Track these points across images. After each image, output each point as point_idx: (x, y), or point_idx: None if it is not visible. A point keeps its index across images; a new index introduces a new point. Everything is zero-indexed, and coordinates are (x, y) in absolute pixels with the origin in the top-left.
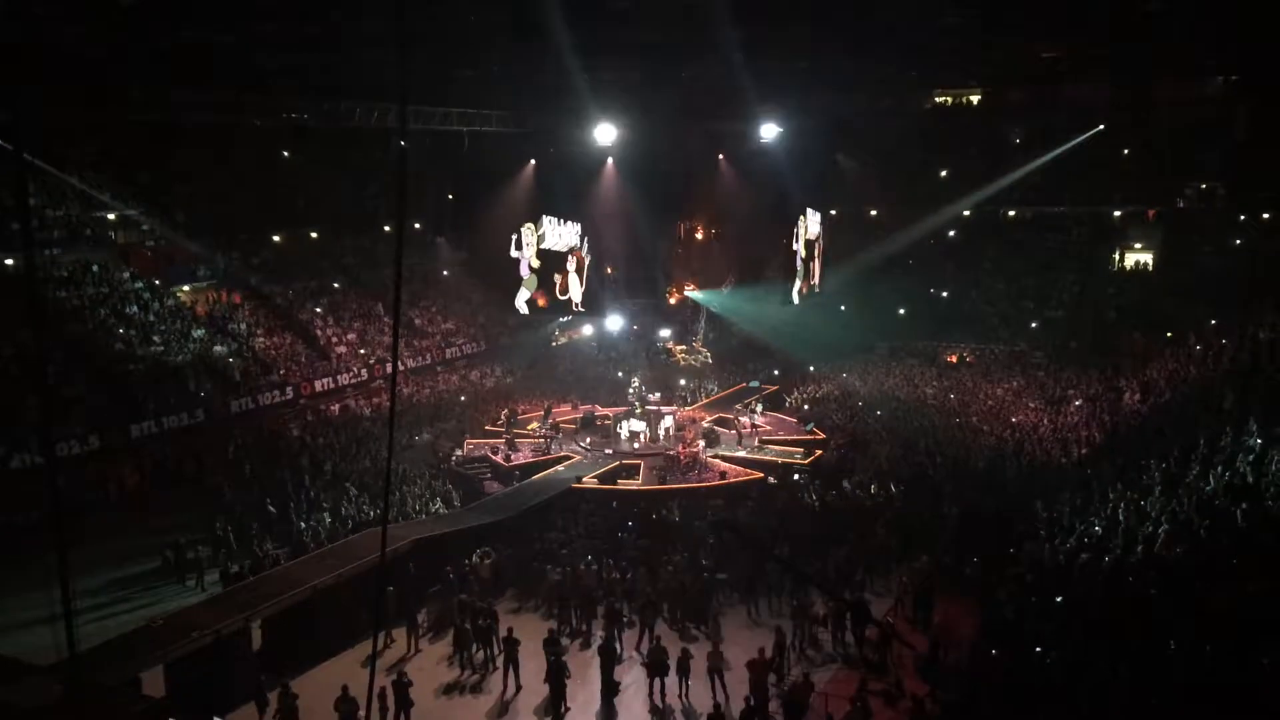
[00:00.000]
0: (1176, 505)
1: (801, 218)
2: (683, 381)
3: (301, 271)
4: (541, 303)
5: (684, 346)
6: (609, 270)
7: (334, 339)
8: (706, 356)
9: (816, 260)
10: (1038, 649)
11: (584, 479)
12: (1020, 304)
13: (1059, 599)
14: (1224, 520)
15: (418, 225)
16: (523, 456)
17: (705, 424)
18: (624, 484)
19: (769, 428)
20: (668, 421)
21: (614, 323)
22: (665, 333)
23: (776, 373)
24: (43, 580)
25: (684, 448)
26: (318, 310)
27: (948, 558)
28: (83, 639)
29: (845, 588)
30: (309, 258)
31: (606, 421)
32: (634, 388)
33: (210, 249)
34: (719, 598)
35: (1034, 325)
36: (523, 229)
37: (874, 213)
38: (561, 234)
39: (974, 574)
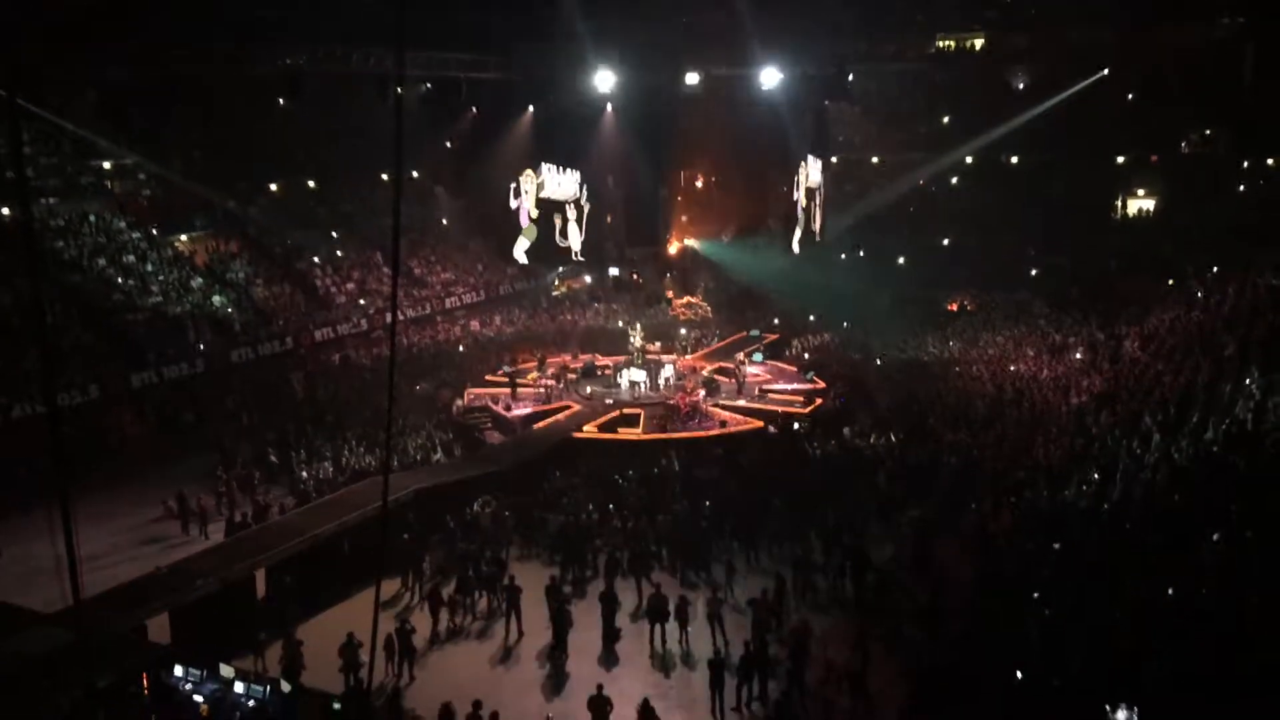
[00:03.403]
0: (1175, 452)
1: (802, 165)
2: (683, 331)
3: (300, 220)
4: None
5: (686, 299)
6: (608, 219)
7: (333, 289)
8: (706, 309)
9: (817, 208)
10: (1035, 595)
11: (584, 428)
12: (1022, 251)
13: (1056, 545)
14: (1222, 467)
15: (415, 174)
16: (524, 406)
17: (705, 373)
18: (625, 433)
19: (769, 377)
20: (668, 371)
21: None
22: (614, 271)
23: (776, 321)
24: (46, 529)
25: (684, 397)
26: (316, 259)
27: (947, 505)
28: (87, 587)
29: (845, 535)
30: (307, 206)
31: (607, 371)
32: (634, 337)
33: (208, 197)
34: (718, 545)
35: (1035, 273)
36: (521, 177)
37: (875, 160)
38: (561, 182)
39: (973, 521)
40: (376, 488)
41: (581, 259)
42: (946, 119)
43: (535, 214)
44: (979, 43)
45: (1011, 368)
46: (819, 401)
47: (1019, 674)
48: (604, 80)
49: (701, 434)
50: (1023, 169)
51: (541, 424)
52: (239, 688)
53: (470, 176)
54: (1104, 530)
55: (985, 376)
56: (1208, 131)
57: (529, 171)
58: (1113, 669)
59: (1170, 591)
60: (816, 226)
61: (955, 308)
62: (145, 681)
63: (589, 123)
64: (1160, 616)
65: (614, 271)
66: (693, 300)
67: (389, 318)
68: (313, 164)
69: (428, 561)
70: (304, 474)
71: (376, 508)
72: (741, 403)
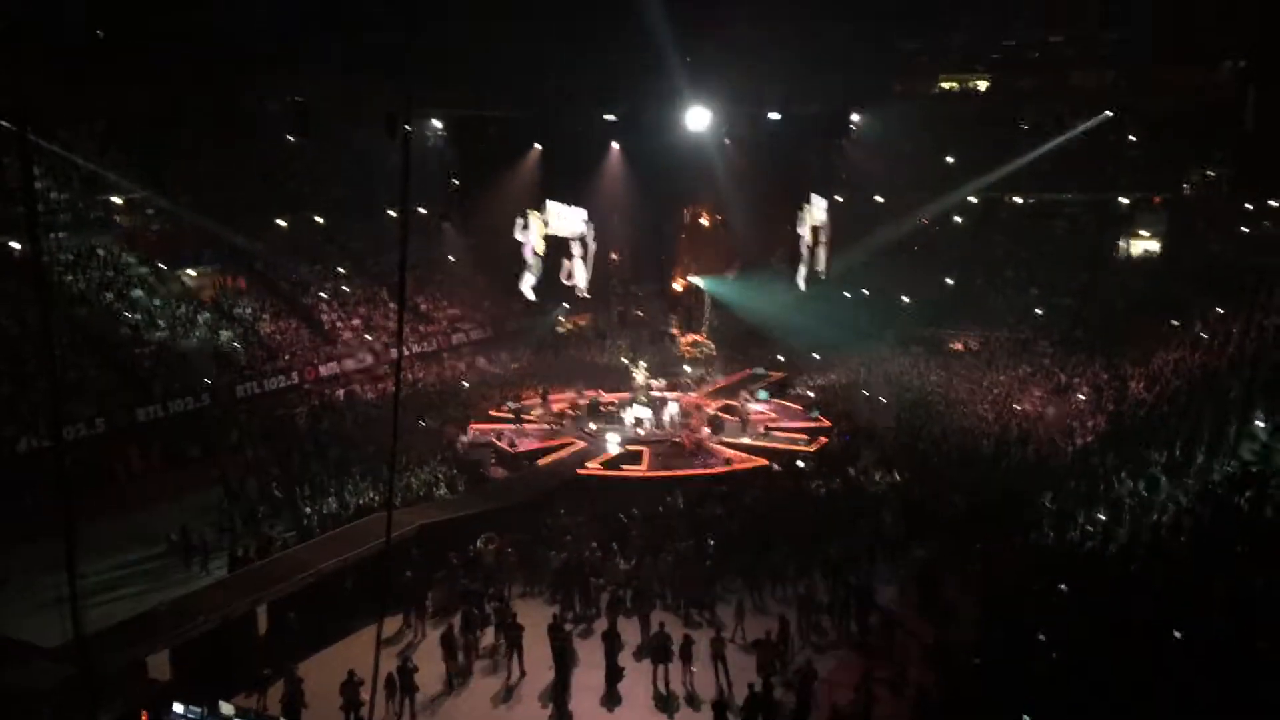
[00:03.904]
0: (1181, 493)
1: (806, 204)
2: (687, 368)
3: (307, 255)
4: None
5: (690, 336)
6: (613, 257)
7: (339, 324)
8: (711, 348)
9: (823, 246)
10: (1041, 636)
11: (588, 465)
12: (1026, 291)
13: (1063, 586)
14: (1228, 508)
15: (422, 210)
16: (528, 442)
17: (710, 410)
18: (628, 470)
19: (774, 415)
20: (672, 408)
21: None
22: (619, 308)
23: (781, 359)
24: (50, 563)
25: (688, 434)
26: (322, 295)
27: (953, 545)
28: (89, 622)
29: (850, 574)
30: (314, 242)
31: (611, 408)
32: (638, 374)
33: (216, 232)
34: (722, 584)
35: (1039, 313)
36: (529, 213)
37: (879, 199)
38: (566, 218)
39: (979, 561)
40: (380, 523)
41: (587, 295)
42: (950, 158)
43: (541, 250)
44: (983, 85)
45: (1017, 407)
46: (823, 439)
47: (1026, 717)
48: (610, 117)
49: (705, 471)
50: (1026, 209)
51: (545, 460)
52: None
53: (477, 213)
54: (1111, 570)
55: (990, 416)
56: (1210, 173)
57: (534, 210)
58: (1121, 707)
59: (1177, 631)
60: (821, 265)
61: (960, 347)
62: (145, 718)
63: (594, 160)
64: (1168, 654)
65: (619, 308)
66: (697, 338)
67: (395, 353)
68: (321, 199)
69: (431, 598)
70: (308, 509)
71: (380, 543)
72: (746, 440)
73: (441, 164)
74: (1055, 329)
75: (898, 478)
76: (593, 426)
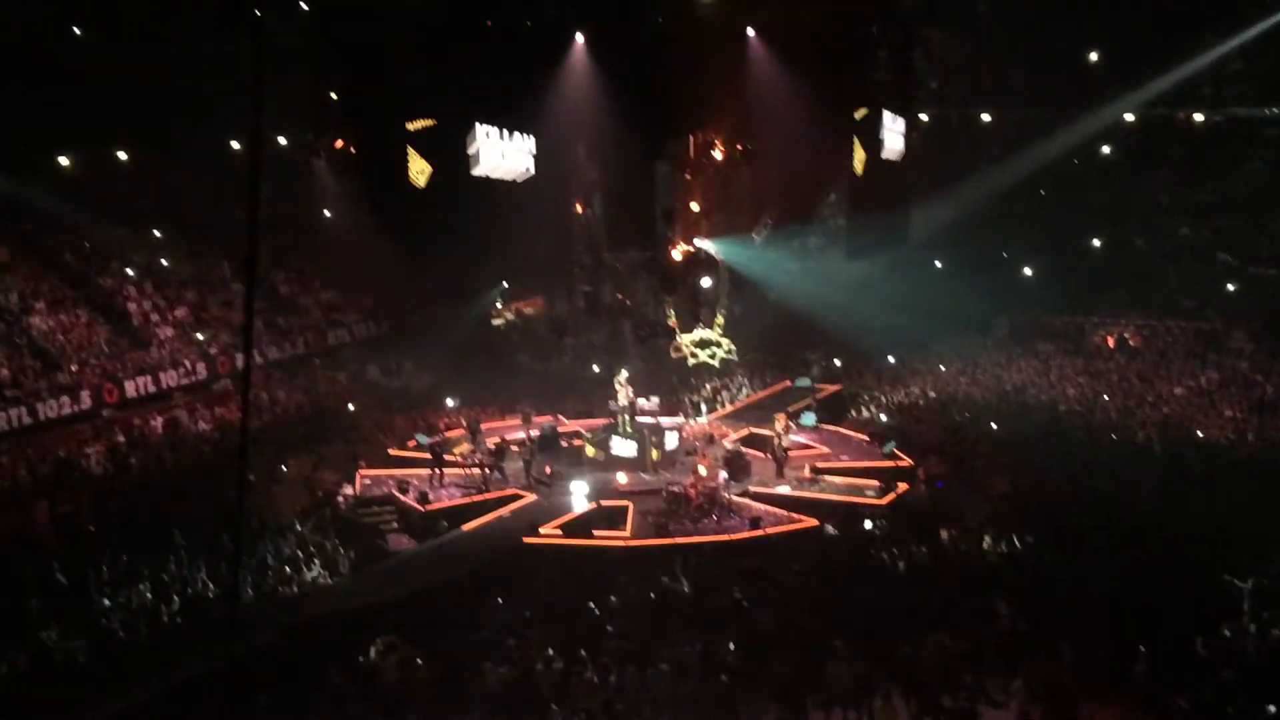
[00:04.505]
0: None
1: (875, 125)
2: (693, 380)
3: (105, 213)
4: None
5: (698, 330)
6: (579, 209)
7: (154, 317)
8: (729, 347)
9: (898, 192)
10: None
11: (541, 530)
12: (1211, 258)
13: (1274, 710)
14: None
15: (283, 140)
16: (448, 496)
17: (728, 444)
18: (603, 537)
19: (826, 449)
20: (671, 441)
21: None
22: (586, 288)
23: (838, 364)
24: None
25: (696, 481)
26: (129, 272)
27: (1101, 648)
28: None
29: (945, 693)
30: (116, 192)
31: (576, 442)
32: (619, 390)
33: None
34: (749, 710)
35: (1232, 289)
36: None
37: (985, 118)
38: (505, 153)
39: (1142, 673)
40: (218, 626)
41: (537, 269)
42: (1094, 56)
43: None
44: None
45: (1199, 434)
46: (903, 487)
47: None
48: None
49: (722, 538)
50: (1209, 131)
51: (475, 523)
52: None
53: (367, 144)
54: None
55: (1157, 448)
56: None
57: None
58: None
59: None
60: (897, 220)
61: (1112, 341)
62: None
63: (548, 60)
64: None
65: (586, 289)
66: (708, 333)
67: (240, 360)
68: (127, 126)
69: None
70: (106, 602)
71: (217, 660)
72: (784, 489)
73: (314, 71)
74: (1256, 315)
75: (1018, 545)
76: (548, 471)
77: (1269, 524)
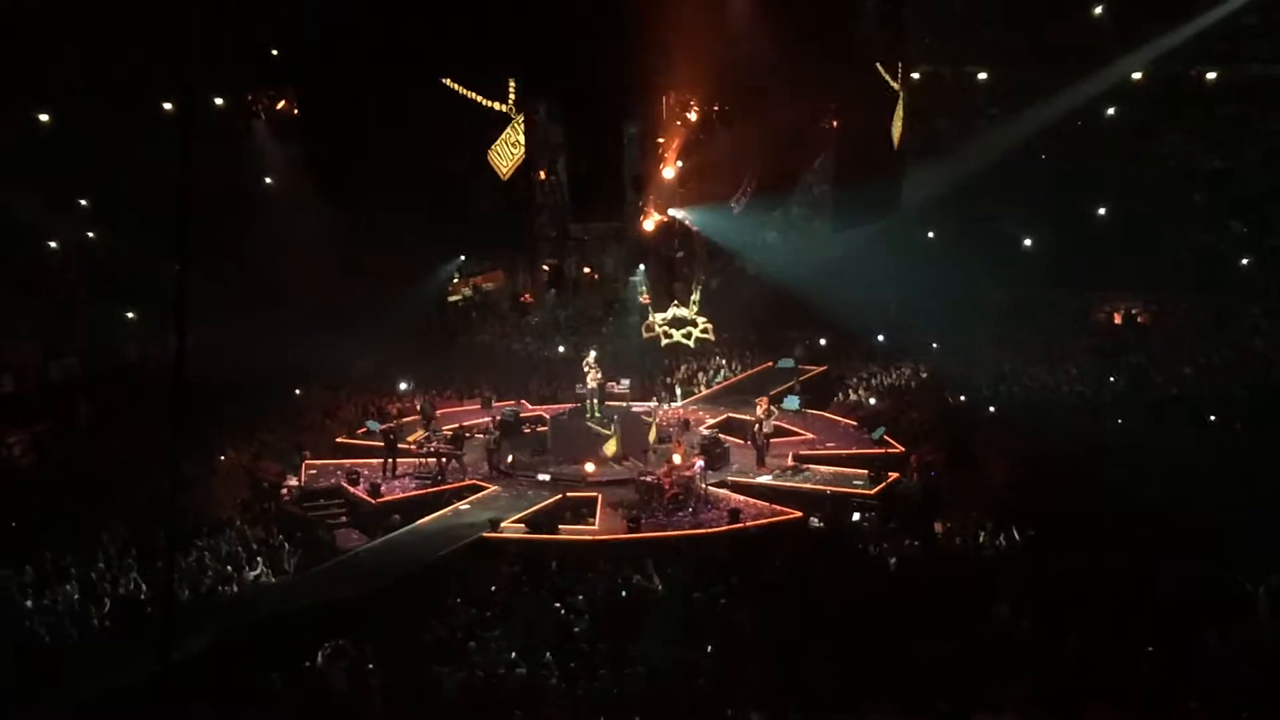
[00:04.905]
0: None
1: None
2: (667, 361)
3: (9, 173)
4: None
5: (672, 307)
6: (540, 175)
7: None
8: (705, 326)
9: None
10: None
11: (503, 524)
12: (1225, 228)
13: None
14: None
15: (220, 101)
16: (401, 487)
17: (705, 430)
18: (569, 531)
19: (811, 435)
20: (644, 427)
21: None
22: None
23: (823, 344)
24: None
25: (670, 470)
26: (53, 245)
27: (1106, 647)
28: None
29: (939, 697)
30: (31, 151)
31: (541, 429)
32: (587, 372)
33: None
34: (730, 717)
35: (1246, 262)
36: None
37: (982, 76)
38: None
39: (1150, 673)
40: (151, 630)
41: (495, 239)
42: (1100, 9)
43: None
44: None
45: (1212, 417)
46: (894, 476)
47: None
48: None
49: (698, 531)
50: (1223, 90)
51: (430, 517)
52: None
53: (315, 98)
54: None
55: (1167, 431)
56: None
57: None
58: None
59: None
60: (889, 187)
61: (1119, 318)
62: None
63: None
64: None
65: (550, 262)
66: (683, 311)
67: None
68: (40, 79)
69: None
70: (28, 604)
71: (153, 668)
72: (765, 479)
73: (252, 23)
74: (1273, 288)
75: (1017, 538)
76: (510, 460)
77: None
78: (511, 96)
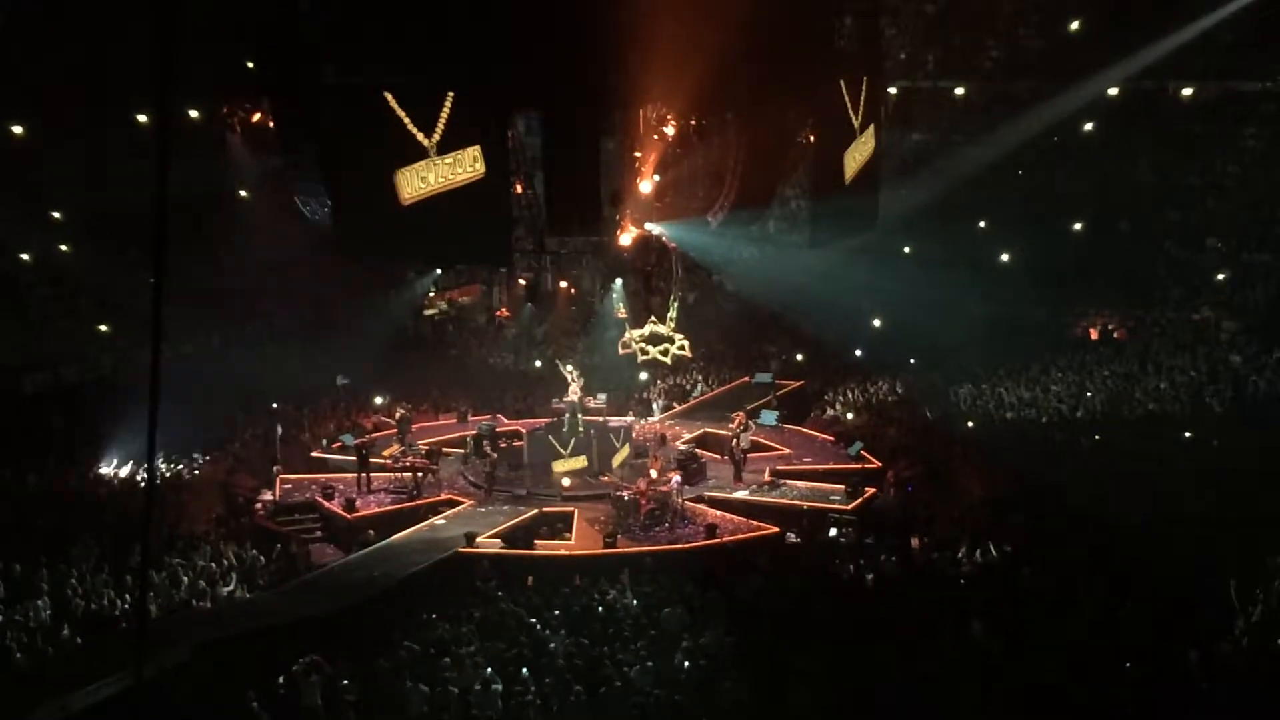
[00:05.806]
0: None
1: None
2: (644, 375)
3: None
4: None
5: (649, 323)
6: (518, 189)
7: (53, 307)
8: (681, 343)
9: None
10: None
11: (478, 539)
12: (1201, 244)
13: None
14: None
15: (194, 113)
16: (375, 503)
17: (682, 445)
18: (546, 547)
19: (788, 450)
20: (620, 443)
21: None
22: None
23: (800, 359)
24: None
25: (647, 485)
26: (24, 258)
27: (1082, 669)
28: None
29: (915, 715)
30: (9, 168)
31: (518, 443)
32: (570, 384)
33: None
34: None
35: (1222, 277)
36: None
37: (958, 92)
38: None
39: (1130, 692)
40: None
41: (473, 254)
42: (1074, 24)
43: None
44: None
45: (1186, 434)
46: (871, 491)
47: None
48: None
49: (674, 547)
50: (1200, 106)
51: (405, 533)
52: None
53: (285, 114)
54: None
55: (1148, 449)
56: None
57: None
58: None
59: None
60: (866, 202)
61: (1095, 334)
62: None
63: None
64: None
65: (526, 276)
66: (660, 327)
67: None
68: (21, 97)
69: None
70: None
71: (126, 677)
72: (742, 494)
73: (226, 33)
74: (1249, 304)
75: (994, 554)
76: (486, 471)
77: (1260, 530)
78: (438, 134)
